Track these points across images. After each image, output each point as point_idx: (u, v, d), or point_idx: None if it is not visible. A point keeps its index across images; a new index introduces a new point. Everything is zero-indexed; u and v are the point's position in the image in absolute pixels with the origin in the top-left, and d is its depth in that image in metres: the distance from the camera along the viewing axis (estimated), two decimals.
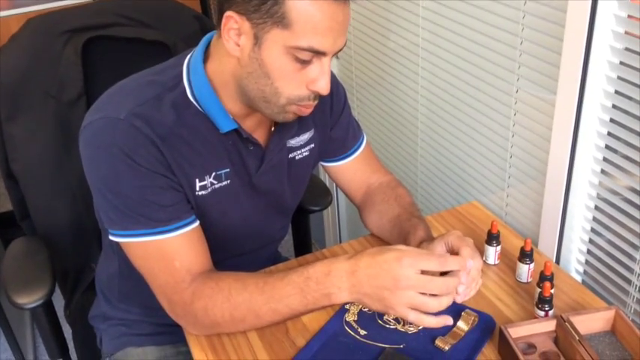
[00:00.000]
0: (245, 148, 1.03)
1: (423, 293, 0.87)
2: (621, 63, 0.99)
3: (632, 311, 1.08)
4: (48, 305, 1.24)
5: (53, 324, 1.28)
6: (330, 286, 0.91)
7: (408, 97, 1.58)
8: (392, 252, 0.88)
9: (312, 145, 1.15)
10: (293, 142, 1.11)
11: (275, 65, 0.89)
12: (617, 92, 1.01)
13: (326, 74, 0.91)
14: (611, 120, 1.04)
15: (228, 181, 1.04)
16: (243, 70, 0.92)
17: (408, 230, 1.10)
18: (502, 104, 1.25)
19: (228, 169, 1.03)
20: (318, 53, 0.88)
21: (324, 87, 0.92)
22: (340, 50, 0.92)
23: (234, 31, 0.89)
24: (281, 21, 0.85)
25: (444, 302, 0.87)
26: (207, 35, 1.01)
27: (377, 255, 0.88)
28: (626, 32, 0.97)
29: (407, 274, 0.86)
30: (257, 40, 0.88)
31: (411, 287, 0.86)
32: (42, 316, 1.25)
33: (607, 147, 1.06)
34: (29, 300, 1.19)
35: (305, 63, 0.89)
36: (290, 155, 1.12)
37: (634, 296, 1.07)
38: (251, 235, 1.14)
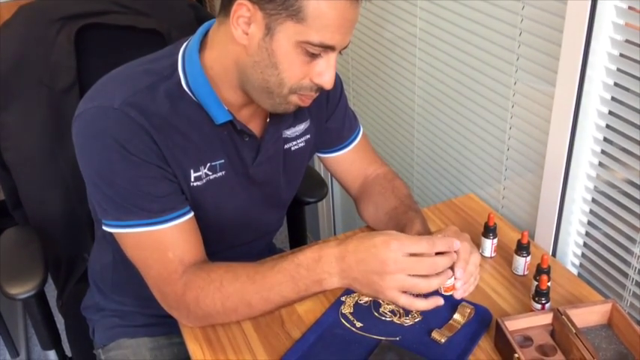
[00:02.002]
0: (240, 140, 1.02)
1: (412, 276, 0.86)
2: (621, 55, 0.98)
3: (628, 304, 1.08)
4: (40, 296, 1.24)
5: (45, 315, 1.27)
6: (320, 272, 0.90)
7: (404, 88, 1.57)
8: (380, 236, 0.87)
9: (308, 136, 1.14)
10: (289, 132, 1.10)
11: (285, 57, 0.89)
12: (616, 84, 1.01)
13: (331, 69, 0.91)
14: (610, 112, 1.03)
15: (223, 173, 1.02)
16: (250, 59, 0.91)
17: (405, 223, 1.09)
18: (500, 96, 1.24)
19: (223, 160, 1.02)
20: (327, 48, 0.89)
21: (328, 81, 0.92)
22: (346, 47, 0.92)
23: (243, 19, 0.88)
24: (296, 15, 0.85)
25: (434, 283, 0.87)
26: (205, 24, 0.99)
27: (365, 239, 0.88)
28: (627, 24, 0.96)
29: (394, 257, 0.85)
30: (269, 31, 0.87)
31: (400, 270, 0.85)
32: (34, 307, 1.24)
33: (605, 139, 1.06)
34: (21, 290, 1.18)
35: (314, 56, 0.90)
36: (286, 146, 1.11)
37: (631, 290, 1.06)
38: (246, 226, 1.13)
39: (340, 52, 0.92)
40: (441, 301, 0.89)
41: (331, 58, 0.91)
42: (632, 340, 0.94)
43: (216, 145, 1.00)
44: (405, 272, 0.85)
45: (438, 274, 0.87)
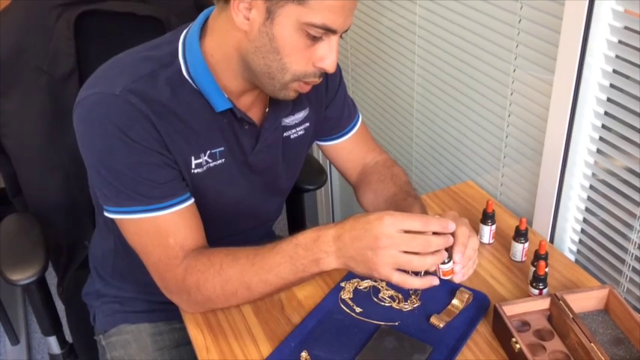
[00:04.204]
0: (240, 128, 1.02)
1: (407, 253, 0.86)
2: (620, 42, 0.98)
3: (625, 290, 1.09)
4: (41, 282, 1.24)
5: (46, 301, 1.28)
6: (317, 252, 0.90)
7: (403, 76, 1.57)
8: (375, 213, 0.87)
9: (307, 124, 1.14)
10: (288, 120, 1.11)
11: (286, 41, 0.89)
12: (614, 71, 1.01)
13: (334, 52, 0.91)
14: (609, 99, 1.04)
15: (223, 160, 1.03)
16: (251, 45, 0.91)
17: (404, 209, 1.09)
18: (499, 83, 1.24)
19: (222, 148, 1.02)
20: (329, 31, 0.88)
21: (330, 65, 0.92)
22: (347, 30, 0.92)
23: (244, 4, 0.88)
24: None
25: (428, 261, 0.86)
26: (205, 11, 0.99)
27: (361, 217, 0.88)
28: (626, 11, 0.96)
29: (388, 232, 0.85)
30: (269, 15, 0.87)
31: (393, 245, 0.85)
32: (35, 293, 1.25)
33: (603, 126, 1.06)
34: (22, 276, 1.18)
35: (315, 40, 0.89)
36: (285, 134, 1.11)
37: (627, 275, 1.07)
38: (246, 214, 1.14)
39: (341, 36, 0.92)
40: (435, 281, 0.89)
41: (333, 41, 0.90)
42: (628, 325, 0.96)
43: (216, 132, 1.00)
44: (398, 248, 0.85)
45: (432, 253, 0.87)
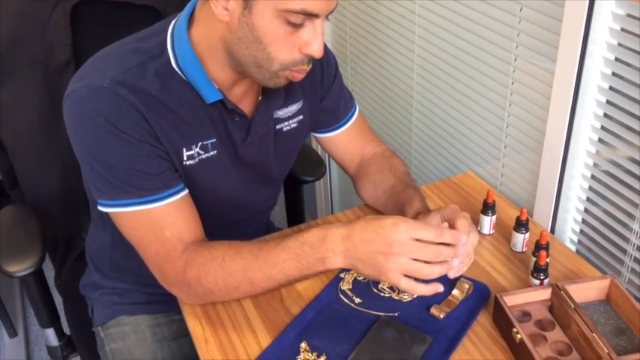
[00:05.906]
0: (230, 119, 1.01)
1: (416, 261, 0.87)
2: (622, 29, 0.97)
3: (626, 281, 1.08)
4: (38, 274, 1.23)
5: (44, 293, 1.27)
6: (324, 251, 0.90)
7: (403, 66, 1.56)
8: (389, 219, 0.87)
9: (301, 117, 1.13)
10: (280, 113, 1.09)
11: (266, 30, 0.87)
12: (617, 59, 1.00)
13: (319, 36, 0.89)
14: (611, 88, 1.03)
15: (215, 152, 1.02)
16: (233, 36, 0.89)
17: (404, 201, 1.09)
18: (500, 73, 1.23)
19: (214, 140, 1.01)
20: (311, 15, 0.86)
21: (317, 50, 0.89)
22: (332, 12, 0.89)
23: None
24: None
25: (437, 270, 0.87)
26: (192, 0, 0.98)
27: (374, 220, 0.88)
28: None
29: (401, 239, 0.85)
30: (247, 4, 0.85)
31: (405, 253, 0.85)
32: (32, 285, 1.25)
33: (605, 115, 1.05)
34: (19, 268, 1.18)
35: (297, 26, 0.87)
36: (277, 126, 1.10)
37: (629, 266, 1.07)
38: (240, 206, 1.13)
39: (327, 18, 0.89)
40: (440, 288, 0.89)
41: (317, 25, 0.88)
42: (630, 315, 0.95)
43: (206, 124, 0.99)
44: (410, 255, 0.86)
45: (440, 262, 0.87)
